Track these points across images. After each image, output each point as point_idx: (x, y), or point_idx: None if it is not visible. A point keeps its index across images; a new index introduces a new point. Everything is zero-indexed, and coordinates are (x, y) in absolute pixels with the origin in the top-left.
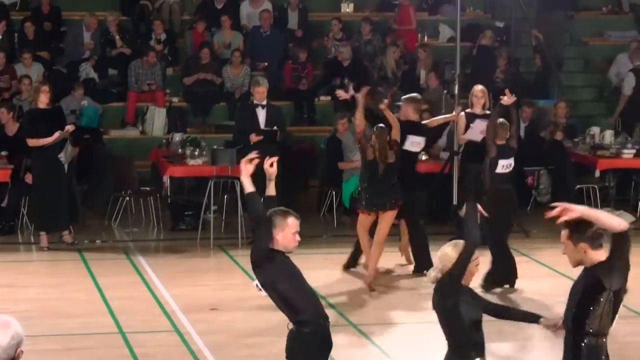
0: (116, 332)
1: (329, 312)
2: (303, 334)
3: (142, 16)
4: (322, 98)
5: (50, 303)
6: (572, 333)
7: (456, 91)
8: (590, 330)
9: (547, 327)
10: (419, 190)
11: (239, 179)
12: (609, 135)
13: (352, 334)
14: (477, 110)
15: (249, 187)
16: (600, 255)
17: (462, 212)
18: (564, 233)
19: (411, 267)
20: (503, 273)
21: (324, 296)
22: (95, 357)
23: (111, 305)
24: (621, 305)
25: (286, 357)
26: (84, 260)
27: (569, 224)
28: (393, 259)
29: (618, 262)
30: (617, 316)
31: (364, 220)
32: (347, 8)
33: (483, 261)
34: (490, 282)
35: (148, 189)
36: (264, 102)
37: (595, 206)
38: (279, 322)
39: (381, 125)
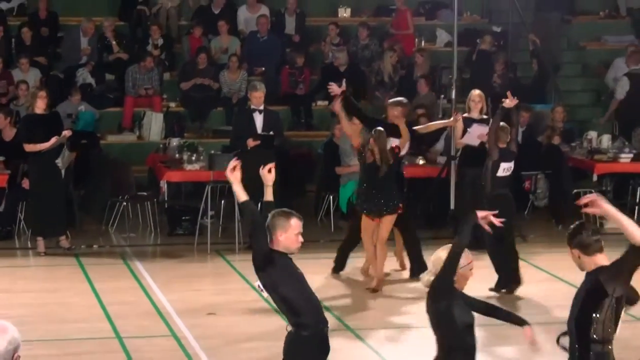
0: (113, 337)
1: (326, 316)
2: (301, 337)
3: (140, 21)
4: (320, 103)
5: (47, 308)
6: (576, 339)
7: (453, 96)
8: (595, 337)
9: (525, 336)
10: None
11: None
12: (606, 140)
13: (349, 338)
14: (475, 114)
15: (242, 196)
16: (600, 260)
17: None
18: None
19: (406, 272)
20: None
21: (320, 300)
22: None
23: (108, 310)
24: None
25: (283, 359)
26: (81, 266)
27: (570, 229)
28: (389, 264)
29: (626, 272)
30: (620, 322)
31: (367, 225)
32: (344, 13)
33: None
34: (499, 287)
35: (145, 194)
36: (261, 107)
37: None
38: (276, 327)
39: (379, 128)
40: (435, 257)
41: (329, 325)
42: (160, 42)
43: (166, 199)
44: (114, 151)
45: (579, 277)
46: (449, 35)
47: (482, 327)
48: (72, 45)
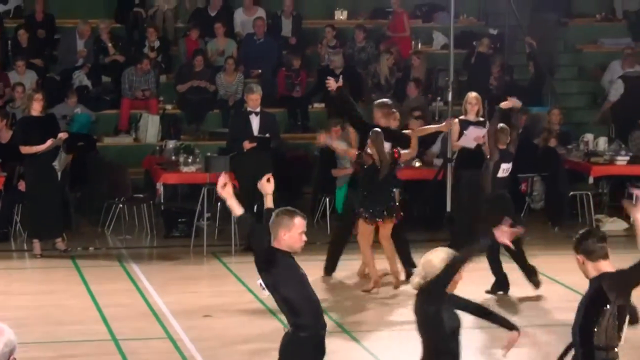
0: (109, 339)
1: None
2: (299, 338)
3: (136, 23)
4: (316, 105)
5: (44, 310)
6: (579, 346)
7: (449, 98)
8: (599, 345)
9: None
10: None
11: (233, 185)
12: (602, 142)
13: (345, 340)
14: (471, 117)
15: (237, 210)
16: (603, 266)
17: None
18: None
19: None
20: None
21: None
22: None
23: (104, 313)
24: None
25: (279, 359)
26: (77, 268)
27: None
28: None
29: (632, 282)
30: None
31: (365, 230)
32: (340, 15)
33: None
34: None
35: (141, 196)
36: (258, 109)
37: (589, 213)
38: (273, 329)
39: (376, 129)
40: (425, 260)
41: (326, 328)
42: (156, 44)
43: (162, 201)
44: (110, 153)
45: (575, 280)
46: (446, 37)
47: (480, 330)
48: (68, 48)
